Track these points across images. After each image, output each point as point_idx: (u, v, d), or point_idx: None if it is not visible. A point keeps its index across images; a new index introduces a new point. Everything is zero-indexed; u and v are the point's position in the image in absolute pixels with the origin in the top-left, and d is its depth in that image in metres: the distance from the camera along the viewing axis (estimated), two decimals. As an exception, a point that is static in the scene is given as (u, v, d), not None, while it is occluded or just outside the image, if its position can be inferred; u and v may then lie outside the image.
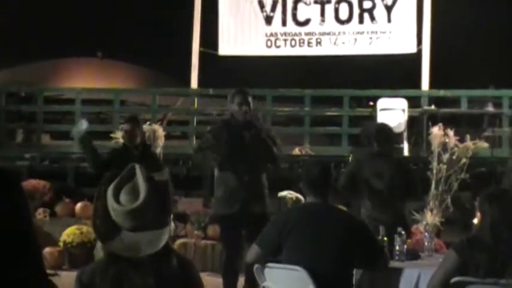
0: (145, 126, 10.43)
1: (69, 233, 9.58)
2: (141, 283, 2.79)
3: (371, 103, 12.38)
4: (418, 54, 12.20)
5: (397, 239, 5.21)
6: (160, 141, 10.38)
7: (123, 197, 2.85)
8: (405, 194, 6.67)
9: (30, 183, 10.14)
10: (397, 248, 5.18)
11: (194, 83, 12.77)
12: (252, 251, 4.77)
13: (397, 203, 6.57)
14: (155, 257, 2.82)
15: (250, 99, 6.97)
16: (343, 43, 12.31)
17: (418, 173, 9.74)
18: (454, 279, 4.08)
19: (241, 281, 6.94)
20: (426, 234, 5.70)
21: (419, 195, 7.43)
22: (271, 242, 4.68)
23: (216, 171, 7.08)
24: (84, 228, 9.63)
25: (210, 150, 6.99)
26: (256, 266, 4.79)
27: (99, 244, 3.01)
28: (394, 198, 6.51)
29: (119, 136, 10.36)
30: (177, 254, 3.00)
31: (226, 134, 6.91)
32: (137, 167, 2.91)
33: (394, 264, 4.94)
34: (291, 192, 9.86)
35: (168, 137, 10.76)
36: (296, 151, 11.71)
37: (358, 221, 4.79)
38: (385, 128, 7.47)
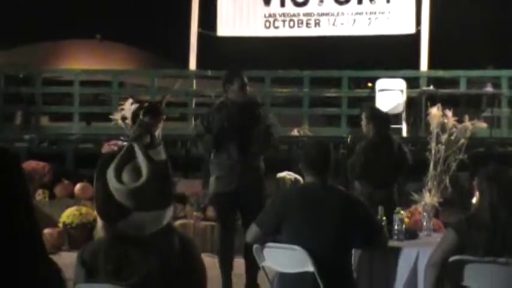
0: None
1: (69, 214, 9.61)
2: (144, 262, 2.79)
3: (370, 84, 12.38)
4: (417, 35, 12.18)
5: (396, 218, 5.23)
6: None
7: (125, 176, 2.82)
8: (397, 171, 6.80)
9: (30, 165, 10.14)
10: (396, 227, 5.19)
11: (192, 65, 12.75)
12: (251, 231, 4.79)
13: (388, 180, 6.68)
14: (158, 237, 2.82)
15: (246, 80, 6.97)
16: (342, 24, 12.29)
17: (416, 154, 9.78)
18: (452, 258, 4.09)
19: (241, 262, 6.96)
20: (425, 214, 5.72)
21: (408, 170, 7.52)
22: (270, 222, 4.69)
23: (212, 154, 7.08)
24: (84, 209, 9.66)
25: (205, 135, 6.99)
26: (255, 246, 4.81)
27: (99, 224, 2.97)
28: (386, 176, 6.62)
29: (118, 117, 10.36)
30: (179, 233, 3.00)
31: (223, 116, 6.90)
32: (135, 146, 2.89)
33: (392, 243, 4.96)
34: (290, 173, 9.87)
35: (166, 118, 10.74)
36: (295, 132, 11.71)
37: (356, 200, 4.79)
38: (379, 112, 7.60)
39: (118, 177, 2.81)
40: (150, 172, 2.81)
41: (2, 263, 1.94)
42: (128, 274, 2.78)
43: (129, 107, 10.43)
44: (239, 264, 7.00)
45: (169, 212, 2.86)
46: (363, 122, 7.58)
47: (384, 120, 7.61)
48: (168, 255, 2.84)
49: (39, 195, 10.07)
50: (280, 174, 9.88)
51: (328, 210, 4.54)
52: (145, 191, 2.80)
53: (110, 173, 2.83)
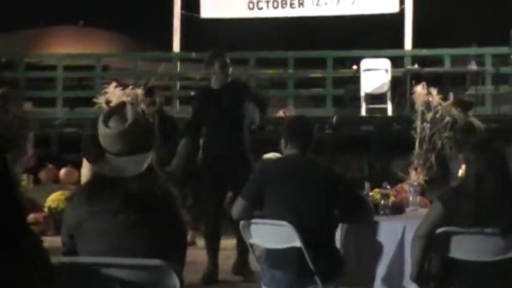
0: (128, 91, 10.38)
1: (54, 199, 9.54)
2: (122, 204, 3.02)
3: (355, 67, 12.36)
4: (401, 14, 12.17)
5: (382, 193, 5.22)
6: (143, 106, 10.33)
7: (112, 122, 3.13)
8: None
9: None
10: (382, 202, 5.19)
11: (176, 47, 12.68)
12: (237, 205, 4.76)
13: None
14: (139, 181, 3.08)
15: (227, 60, 6.93)
16: (326, 4, 12.24)
17: (402, 133, 9.79)
18: (439, 230, 4.08)
19: (232, 243, 6.95)
20: (411, 189, 5.71)
21: None
22: (254, 193, 4.68)
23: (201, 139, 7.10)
24: (69, 194, 9.61)
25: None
26: (242, 222, 4.78)
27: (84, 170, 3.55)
28: None
29: (101, 101, 10.30)
30: (161, 184, 3.19)
31: (206, 99, 6.88)
32: (127, 103, 3.30)
33: (379, 218, 4.95)
34: (276, 154, 9.83)
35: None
36: (280, 113, 11.69)
37: (335, 173, 4.79)
38: None
39: (105, 122, 3.13)
40: (135, 120, 3.13)
41: None
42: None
43: (112, 90, 10.39)
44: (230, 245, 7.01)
45: (148, 158, 3.15)
46: None
47: None
48: (146, 200, 3.06)
49: (24, 180, 10.00)
50: (267, 155, 9.85)
51: (308, 182, 4.54)
52: (128, 135, 3.11)
53: (100, 119, 3.15)
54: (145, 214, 3.05)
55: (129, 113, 3.16)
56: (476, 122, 8.37)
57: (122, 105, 3.26)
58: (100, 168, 3.15)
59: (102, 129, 3.14)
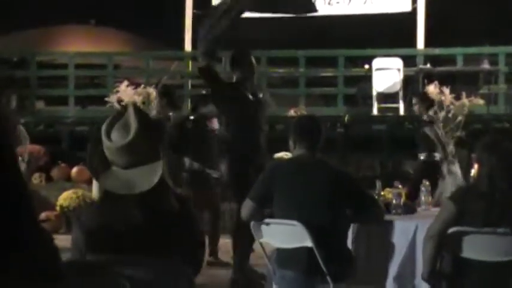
0: (140, 90, 10.41)
1: (66, 197, 9.59)
2: (136, 221, 2.82)
3: (367, 66, 12.32)
4: (413, 13, 12.13)
5: (394, 192, 5.20)
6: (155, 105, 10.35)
7: (114, 134, 2.88)
8: None
9: (26, 148, 10.09)
10: (394, 201, 5.16)
11: (188, 46, 12.68)
12: (246, 206, 4.73)
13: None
14: (152, 195, 2.85)
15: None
16: (338, 3, 12.23)
17: (414, 132, 9.76)
18: (451, 230, 4.06)
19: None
20: (423, 188, 5.68)
21: None
22: (262, 193, 4.66)
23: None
24: (80, 192, 9.63)
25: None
26: (252, 222, 4.77)
27: (94, 187, 3.13)
28: None
29: (113, 100, 10.32)
30: (175, 193, 3.03)
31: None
32: (130, 105, 2.95)
33: (390, 217, 4.93)
34: (287, 153, 9.81)
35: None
36: (291, 112, 11.66)
37: (344, 173, 4.76)
38: None
39: (108, 134, 2.87)
40: (138, 129, 2.85)
41: None
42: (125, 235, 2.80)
43: (124, 89, 10.41)
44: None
45: (158, 168, 2.88)
46: None
47: None
48: (163, 214, 2.86)
49: (36, 179, 10.05)
50: (278, 155, 9.83)
51: (317, 182, 4.52)
52: (132, 147, 2.84)
53: (102, 131, 2.89)
54: (165, 233, 2.87)
55: (132, 120, 2.89)
56: None
57: (122, 112, 2.95)
58: (108, 185, 2.89)
59: (105, 142, 2.90)
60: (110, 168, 2.89)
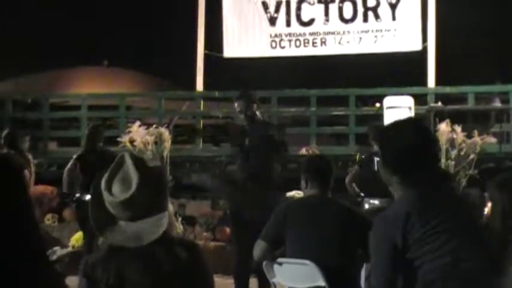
0: (152, 130, 10.46)
1: (78, 238, 9.59)
2: (143, 274, 2.77)
3: (378, 104, 12.33)
4: (424, 52, 12.16)
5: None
6: (167, 145, 10.40)
7: (115, 188, 2.81)
8: None
9: (38, 189, 10.15)
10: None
11: (200, 86, 12.76)
12: (257, 247, 4.74)
13: None
14: (158, 246, 2.80)
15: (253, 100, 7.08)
16: (348, 42, 12.29)
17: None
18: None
19: (253, 281, 6.91)
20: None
21: None
22: (274, 234, 4.66)
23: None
24: (93, 233, 9.63)
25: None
26: (265, 262, 4.76)
27: (101, 239, 2.99)
28: None
29: (125, 141, 10.38)
30: (182, 240, 3.02)
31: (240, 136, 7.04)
32: (126, 155, 2.87)
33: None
34: (299, 192, 9.81)
35: (174, 140, 10.78)
36: (303, 151, 11.67)
37: (356, 212, 4.77)
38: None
39: (108, 188, 2.80)
40: (140, 181, 2.78)
41: (2, 266, 1.91)
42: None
43: (136, 129, 10.47)
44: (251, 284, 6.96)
45: (164, 219, 2.82)
46: None
47: None
48: (170, 265, 2.81)
49: (48, 220, 10.07)
50: (290, 193, 9.83)
51: (329, 221, 4.52)
52: (135, 201, 2.77)
53: (102, 185, 2.81)
54: (171, 282, 2.81)
55: (132, 172, 2.80)
56: None
57: (121, 163, 2.84)
58: (115, 240, 2.80)
59: (106, 196, 2.80)
60: (115, 222, 2.81)
